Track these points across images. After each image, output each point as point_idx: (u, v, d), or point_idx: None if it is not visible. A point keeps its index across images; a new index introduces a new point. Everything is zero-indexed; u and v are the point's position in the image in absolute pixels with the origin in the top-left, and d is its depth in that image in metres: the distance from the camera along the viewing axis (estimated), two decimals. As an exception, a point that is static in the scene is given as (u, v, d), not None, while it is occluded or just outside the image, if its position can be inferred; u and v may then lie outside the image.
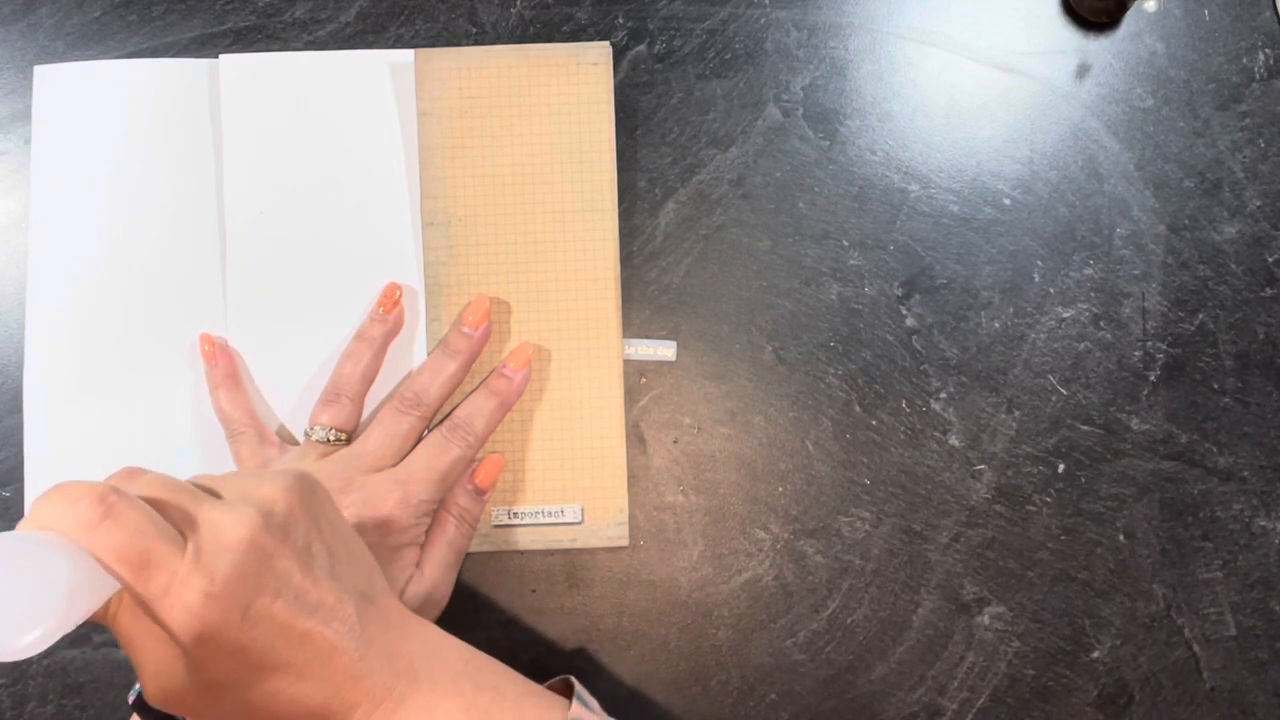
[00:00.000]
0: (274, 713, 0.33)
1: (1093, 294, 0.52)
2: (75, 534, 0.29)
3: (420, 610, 0.45)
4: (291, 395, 0.50)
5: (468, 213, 0.50)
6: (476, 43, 0.52)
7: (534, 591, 0.50)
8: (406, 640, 0.36)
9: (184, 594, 0.30)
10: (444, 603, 0.47)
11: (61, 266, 0.50)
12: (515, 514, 0.49)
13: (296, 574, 0.33)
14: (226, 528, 0.32)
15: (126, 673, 0.48)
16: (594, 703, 0.38)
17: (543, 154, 0.50)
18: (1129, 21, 0.53)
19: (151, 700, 0.33)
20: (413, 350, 0.50)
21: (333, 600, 0.34)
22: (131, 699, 0.41)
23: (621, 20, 0.53)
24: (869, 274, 0.52)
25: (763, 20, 0.53)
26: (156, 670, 0.32)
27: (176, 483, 0.33)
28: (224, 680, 0.32)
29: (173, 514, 0.32)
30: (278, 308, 0.50)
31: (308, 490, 0.35)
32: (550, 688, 0.39)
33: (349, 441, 0.47)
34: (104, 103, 0.51)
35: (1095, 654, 0.50)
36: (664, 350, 0.51)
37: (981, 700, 0.49)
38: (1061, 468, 0.51)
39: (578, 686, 0.39)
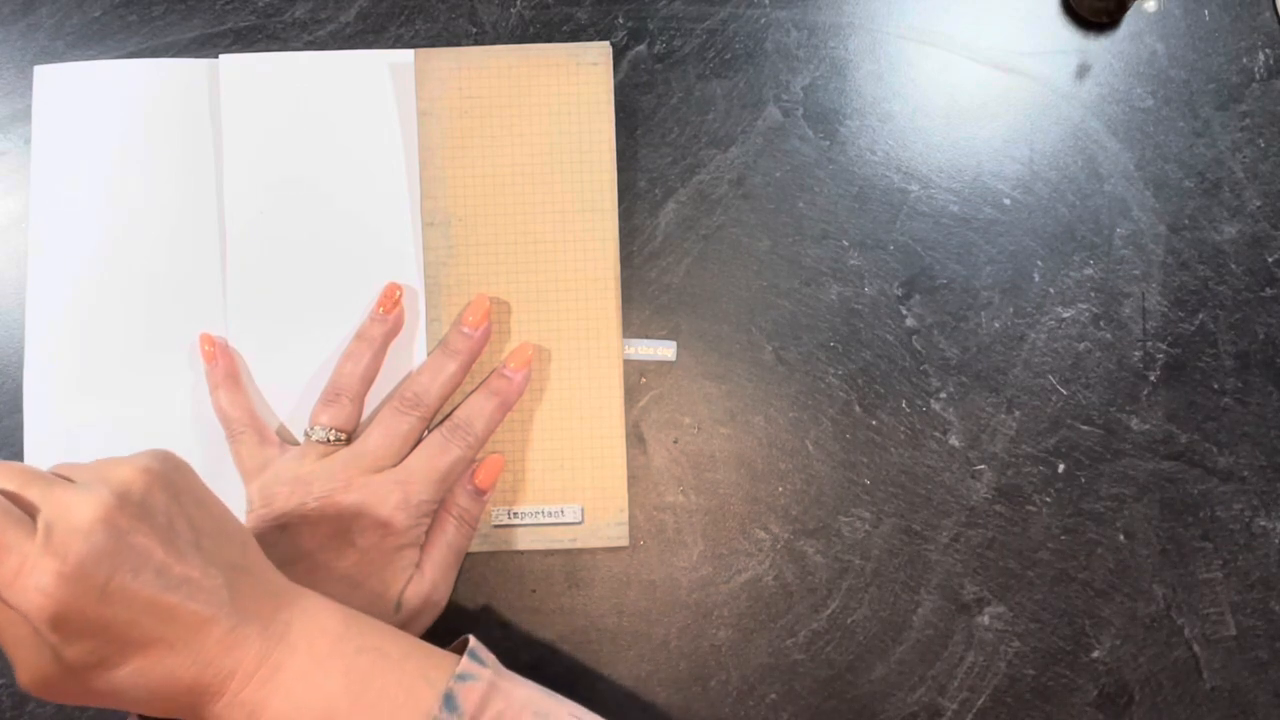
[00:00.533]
0: (149, 689, 0.33)
1: (1093, 294, 0.52)
2: None
3: (419, 611, 0.45)
4: (291, 395, 0.50)
5: (468, 213, 0.50)
6: (476, 43, 0.52)
7: (534, 591, 0.50)
8: (284, 608, 0.36)
9: (35, 576, 0.30)
10: (443, 603, 0.47)
11: (62, 266, 0.50)
12: (515, 514, 0.49)
13: (158, 550, 0.33)
14: (77, 508, 0.32)
15: (126, 673, 0.48)
16: (490, 658, 0.38)
17: (543, 154, 0.50)
18: (1129, 21, 0.53)
19: (28, 689, 0.33)
20: (413, 350, 0.50)
21: (199, 574, 0.34)
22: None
23: (621, 20, 0.53)
24: (869, 274, 0.52)
25: (763, 20, 0.53)
26: (25, 659, 0.32)
27: (30, 470, 0.33)
28: (91, 660, 0.32)
29: (23, 501, 0.32)
30: (278, 308, 0.50)
31: (169, 468, 0.35)
32: (452, 649, 0.39)
33: (349, 442, 0.47)
34: (104, 103, 0.51)
35: (1095, 654, 0.50)
36: (664, 350, 0.51)
37: (981, 700, 0.49)
38: (1061, 468, 0.51)
39: (473, 642, 0.38)
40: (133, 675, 0.33)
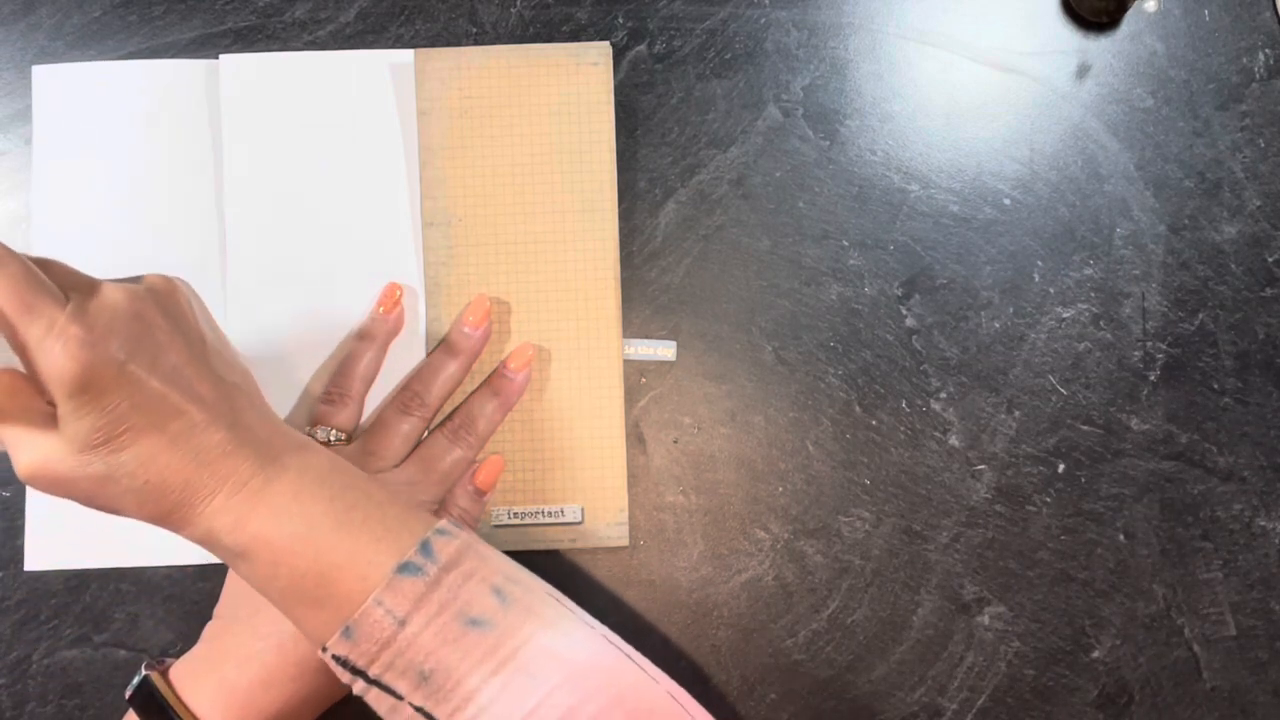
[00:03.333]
0: (144, 482, 0.35)
1: (1093, 294, 0.52)
2: None
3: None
4: (291, 395, 0.50)
5: (468, 213, 0.50)
6: (476, 43, 0.52)
7: (534, 591, 0.50)
8: (278, 434, 0.38)
9: (63, 339, 0.33)
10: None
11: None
12: (515, 514, 0.49)
13: (175, 350, 0.36)
14: (109, 292, 0.35)
15: (126, 673, 0.48)
16: (468, 529, 0.39)
17: (543, 154, 0.50)
18: (1129, 21, 0.53)
19: (27, 476, 0.35)
20: (413, 350, 0.50)
21: (208, 384, 0.36)
22: (128, 694, 0.41)
23: (621, 20, 0.53)
24: (869, 274, 0.52)
25: (763, 20, 0.53)
26: (30, 440, 0.34)
27: (65, 264, 0.36)
28: (96, 439, 0.34)
29: (59, 279, 0.35)
30: (277, 307, 0.50)
31: (190, 290, 0.40)
32: None
33: (349, 442, 0.47)
34: (104, 103, 0.51)
35: (1095, 654, 0.50)
36: (664, 350, 0.51)
37: (981, 700, 0.49)
38: (1061, 468, 0.51)
39: (450, 521, 0.39)
40: (131, 463, 0.34)
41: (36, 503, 0.49)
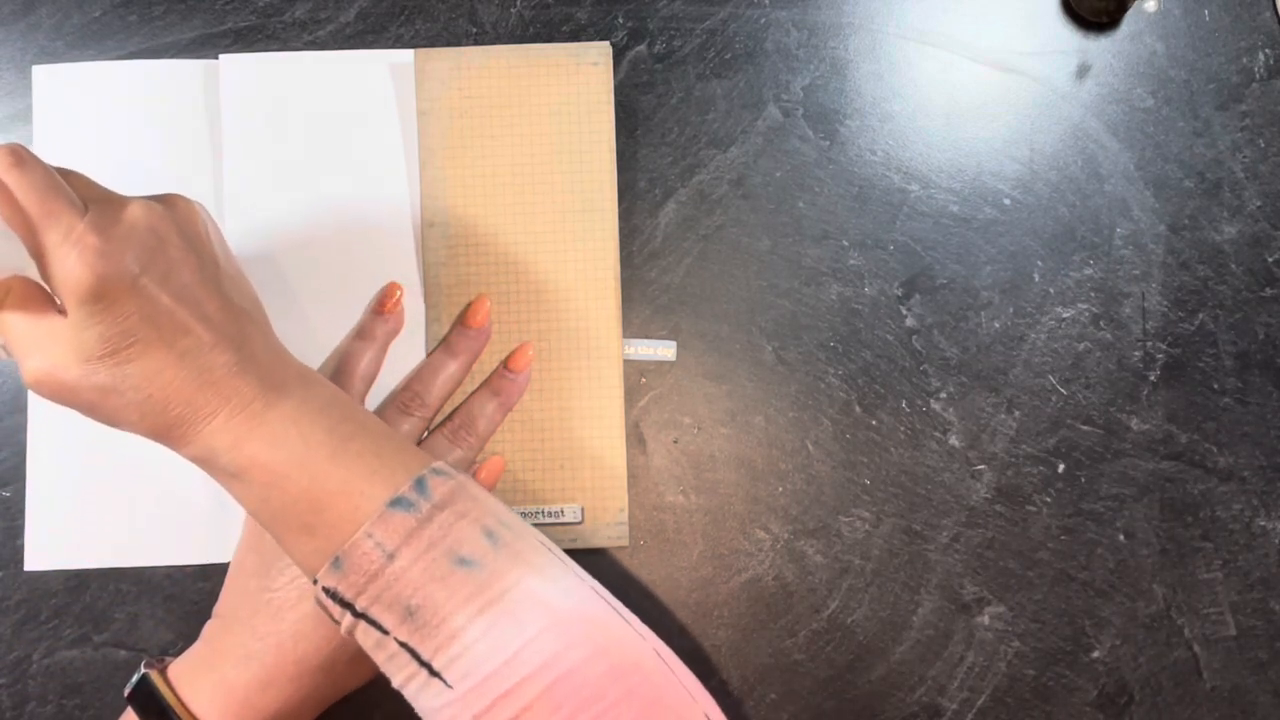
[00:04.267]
0: (148, 395, 0.35)
1: (1093, 294, 0.52)
2: None
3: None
4: (291, 395, 0.50)
5: (468, 213, 0.50)
6: (476, 43, 0.52)
7: (534, 591, 0.50)
8: (283, 364, 0.39)
9: (79, 247, 0.34)
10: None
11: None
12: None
13: (187, 270, 0.36)
14: (128, 207, 0.36)
15: (126, 673, 0.48)
16: (463, 472, 0.39)
17: (543, 154, 0.50)
18: (1129, 21, 0.53)
19: (34, 383, 0.35)
20: (413, 350, 0.50)
21: (218, 306, 0.37)
22: (127, 692, 0.41)
23: (621, 20, 0.53)
24: (869, 274, 0.52)
25: (763, 20, 0.53)
26: (40, 346, 0.35)
27: (87, 177, 0.37)
28: (104, 349, 0.34)
29: (78, 188, 0.35)
30: (277, 307, 0.50)
31: (208, 215, 0.41)
32: None
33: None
34: (104, 103, 0.51)
35: (1095, 654, 0.50)
36: (664, 350, 0.51)
37: (981, 700, 0.49)
38: (1061, 468, 0.51)
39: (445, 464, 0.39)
40: (136, 376, 0.35)
41: (36, 503, 0.49)
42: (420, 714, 0.36)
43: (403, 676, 0.35)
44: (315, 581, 0.36)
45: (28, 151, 0.34)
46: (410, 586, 0.35)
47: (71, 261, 0.34)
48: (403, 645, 0.35)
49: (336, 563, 0.35)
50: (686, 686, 0.36)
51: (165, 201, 0.38)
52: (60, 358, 0.35)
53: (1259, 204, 0.52)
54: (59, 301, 0.35)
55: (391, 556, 0.35)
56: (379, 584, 0.35)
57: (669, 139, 0.52)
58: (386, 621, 0.35)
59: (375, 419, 0.40)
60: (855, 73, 0.53)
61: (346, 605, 0.35)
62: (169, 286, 0.36)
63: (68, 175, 0.36)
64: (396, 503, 0.35)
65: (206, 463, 0.37)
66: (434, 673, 0.34)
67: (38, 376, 0.35)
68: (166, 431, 0.36)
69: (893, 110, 0.53)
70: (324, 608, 0.36)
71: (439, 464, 0.38)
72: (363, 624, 0.35)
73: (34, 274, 0.35)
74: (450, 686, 0.34)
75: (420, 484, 0.36)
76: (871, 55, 0.53)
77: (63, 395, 0.36)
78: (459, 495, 0.37)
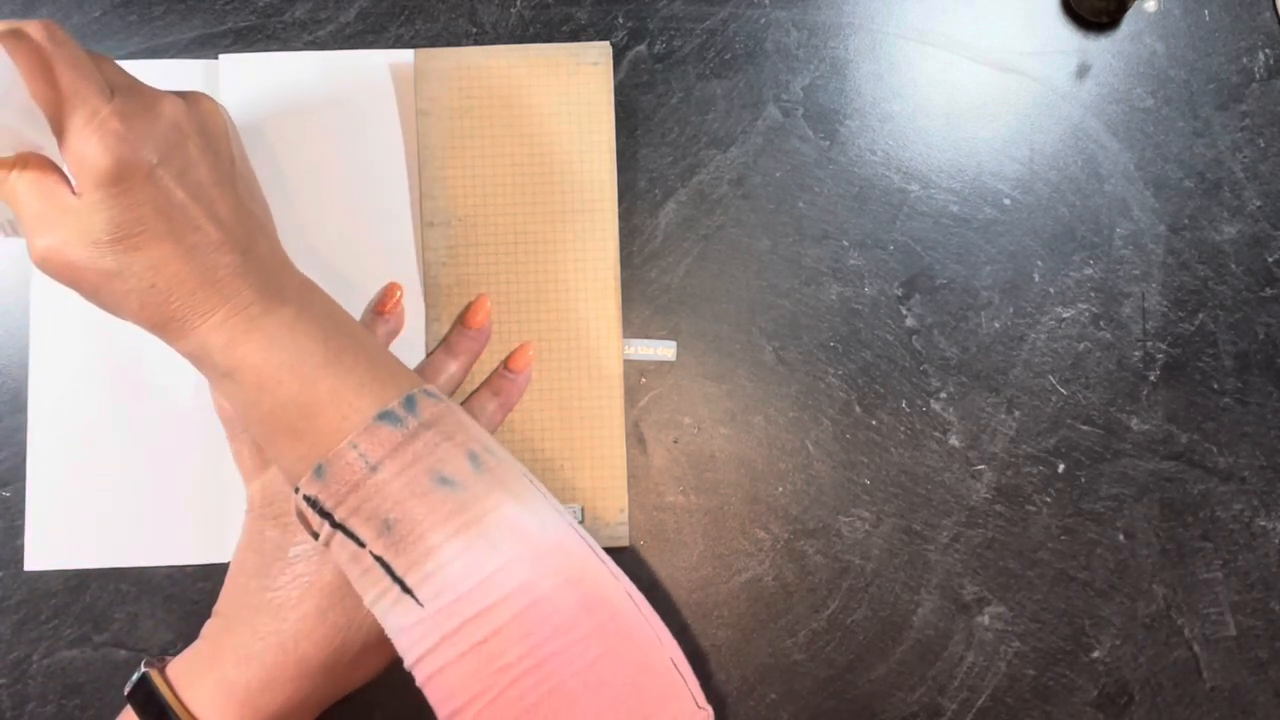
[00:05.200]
0: (152, 284, 0.36)
1: (1093, 294, 0.52)
2: (16, 48, 0.33)
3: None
4: (292, 395, 0.50)
5: (468, 213, 0.50)
6: (476, 43, 0.52)
7: (534, 591, 0.50)
8: (286, 272, 0.39)
9: (101, 131, 0.34)
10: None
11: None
12: (515, 514, 0.49)
13: (204, 167, 0.37)
14: (153, 97, 0.36)
15: (126, 673, 0.48)
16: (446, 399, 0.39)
17: (543, 154, 0.50)
18: (1129, 21, 0.53)
19: (41, 260, 0.36)
20: (413, 350, 0.50)
21: (229, 207, 0.38)
22: (127, 691, 0.41)
23: (621, 20, 0.53)
24: (869, 274, 0.52)
25: (763, 20, 0.53)
26: (49, 224, 0.35)
27: (113, 61, 0.38)
28: (114, 234, 0.35)
29: (107, 74, 0.36)
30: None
31: (231, 122, 0.41)
32: None
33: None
34: (104, 103, 0.51)
35: (1095, 654, 0.50)
36: (664, 350, 0.51)
37: (981, 700, 0.49)
38: (1061, 468, 0.51)
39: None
40: (141, 264, 0.35)
41: (36, 503, 0.49)
42: (390, 635, 0.36)
43: (376, 592, 0.35)
44: (297, 490, 0.36)
45: (60, 29, 0.35)
46: (390, 500, 0.35)
47: (93, 144, 0.34)
48: (378, 559, 0.35)
49: (319, 471, 0.35)
50: (655, 630, 0.36)
51: (190, 99, 0.39)
52: (69, 237, 0.35)
53: (1259, 204, 0.52)
54: (74, 183, 0.35)
55: (374, 469, 0.35)
56: (359, 495, 0.35)
57: (669, 139, 0.52)
58: (364, 534, 0.35)
59: (371, 338, 0.40)
60: (855, 73, 0.53)
61: (326, 515, 0.36)
62: (184, 181, 0.36)
63: (99, 60, 0.37)
64: (384, 416, 0.36)
65: (200, 359, 0.37)
66: (406, 589, 0.34)
67: (45, 253, 0.35)
68: (164, 324, 0.37)
69: (893, 110, 0.53)
70: (303, 518, 0.37)
71: (430, 386, 0.38)
72: (340, 535, 0.36)
73: (52, 153, 0.35)
74: (421, 605, 0.34)
75: (410, 401, 0.37)
76: (871, 55, 0.53)
77: (67, 275, 0.36)
78: (447, 418, 0.37)
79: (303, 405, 0.36)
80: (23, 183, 0.36)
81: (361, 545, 0.35)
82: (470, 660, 0.34)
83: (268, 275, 0.38)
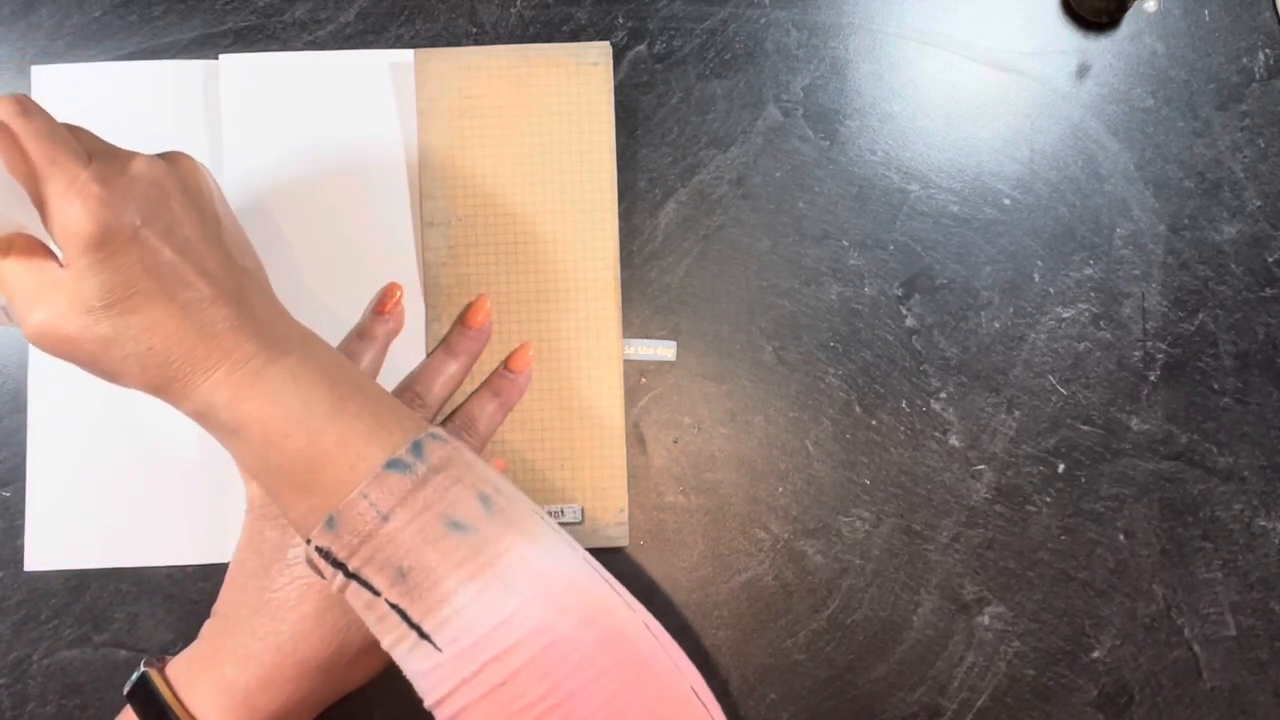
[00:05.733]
0: (149, 347, 0.35)
1: (1093, 294, 0.52)
2: None
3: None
4: (291, 395, 0.49)
5: (468, 213, 0.50)
6: (476, 43, 0.52)
7: (534, 591, 0.50)
8: (284, 323, 0.39)
9: (82, 197, 0.34)
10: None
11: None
12: (515, 514, 0.49)
13: (189, 224, 0.37)
14: (131, 160, 0.36)
15: (126, 673, 0.48)
16: (460, 440, 0.39)
17: (543, 154, 0.50)
18: (1129, 21, 0.53)
19: (35, 336, 0.36)
20: (413, 350, 0.50)
21: (218, 261, 0.37)
22: (127, 690, 0.41)
23: (621, 20, 0.53)
24: (869, 274, 0.52)
25: (763, 20, 0.53)
26: (40, 300, 0.35)
27: (87, 129, 0.38)
28: (105, 300, 0.35)
29: (82, 141, 0.36)
30: (278, 308, 0.50)
31: (208, 173, 0.41)
32: None
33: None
34: (104, 103, 0.51)
35: (1095, 654, 0.50)
36: (664, 350, 0.51)
37: (981, 700, 0.49)
38: (1061, 468, 0.51)
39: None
40: (137, 328, 0.35)
41: (36, 503, 0.49)
42: (409, 677, 0.36)
43: (392, 638, 0.35)
44: (309, 541, 0.36)
45: (32, 101, 0.35)
46: (403, 548, 0.35)
47: (74, 210, 0.34)
48: (393, 607, 0.35)
49: (331, 522, 0.35)
50: (674, 659, 0.36)
51: (169, 158, 0.39)
52: (62, 309, 0.35)
53: (1259, 204, 0.52)
54: (60, 255, 0.35)
55: (386, 518, 0.35)
56: (372, 545, 0.35)
57: (669, 139, 0.52)
58: (378, 583, 0.35)
59: (374, 383, 0.40)
60: (855, 73, 0.53)
61: (339, 565, 0.35)
62: (171, 239, 0.36)
63: (72, 129, 0.36)
64: (393, 464, 0.36)
65: (205, 418, 0.37)
66: (424, 635, 0.34)
67: (40, 329, 0.35)
68: (166, 385, 0.36)
69: (893, 110, 0.53)
70: (315, 568, 0.37)
71: (436, 429, 0.38)
72: (354, 584, 0.35)
73: (35, 228, 0.35)
74: (439, 650, 0.34)
75: (417, 447, 0.36)
76: (871, 55, 0.53)
77: (64, 348, 0.36)
78: (455, 460, 0.37)
79: (311, 458, 0.36)
80: (9, 263, 0.35)
81: (376, 594, 0.35)
82: (490, 702, 0.34)
83: (266, 326, 0.38)
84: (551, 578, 0.35)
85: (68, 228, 0.34)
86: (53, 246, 0.35)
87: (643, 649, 0.35)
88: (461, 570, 0.34)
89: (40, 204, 0.34)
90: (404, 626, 0.35)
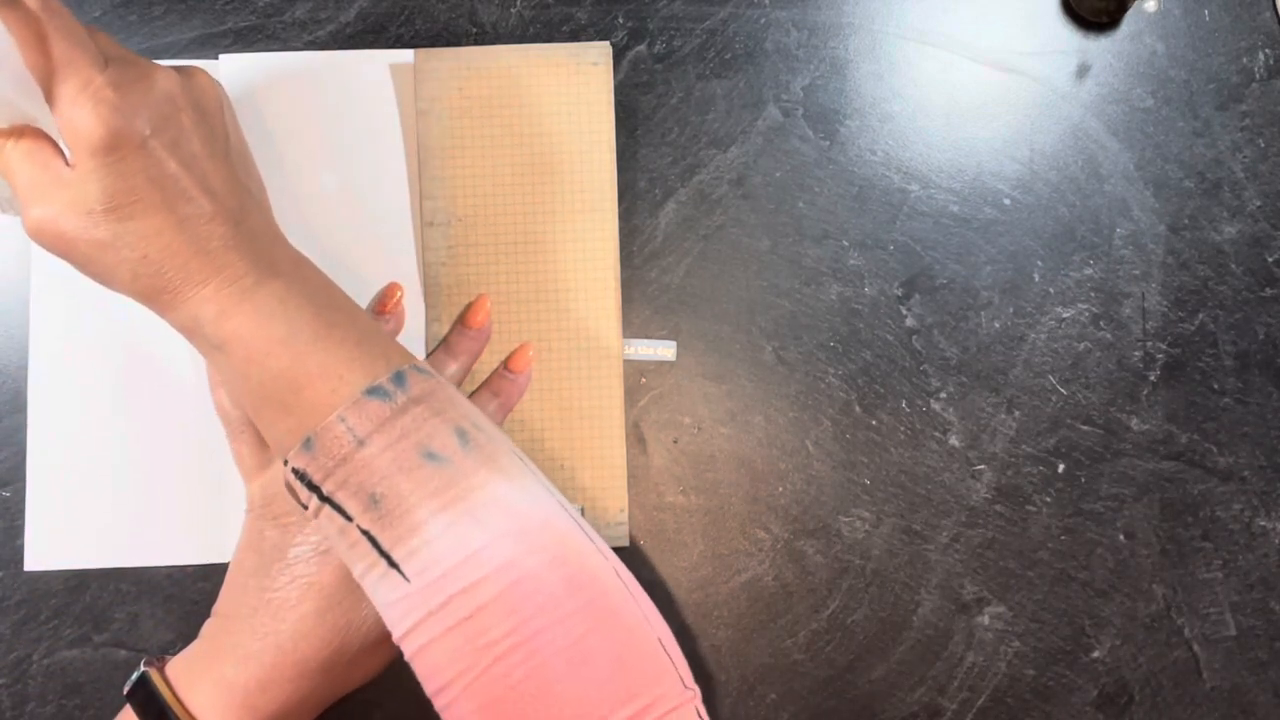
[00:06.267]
0: (144, 255, 0.36)
1: (1093, 294, 0.52)
2: (10, 16, 0.33)
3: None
4: (291, 395, 0.49)
5: (468, 213, 0.50)
6: (476, 43, 0.52)
7: (534, 591, 0.50)
8: (279, 247, 0.39)
9: (95, 100, 0.34)
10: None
11: (64, 266, 0.50)
12: (515, 514, 0.49)
13: (197, 140, 0.37)
14: (148, 71, 0.37)
15: (126, 673, 0.48)
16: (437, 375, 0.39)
17: (543, 154, 0.50)
18: (1129, 21, 0.53)
19: (35, 230, 0.36)
20: (413, 350, 0.50)
21: (222, 180, 0.38)
22: (126, 690, 0.41)
23: (621, 20, 0.53)
24: (869, 274, 0.52)
25: (763, 20, 0.53)
26: (43, 196, 0.36)
27: (106, 35, 0.38)
28: (106, 204, 0.35)
29: (101, 44, 0.36)
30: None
31: (223, 90, 0.41)
32: None
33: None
34: (104, 103, 0.51)
35: (1095, 654, 0.50)
36: (664, 350, 0.51)
37: (981, 700, 0.49)
38: (1061, 468, 0.51)
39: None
40: (134, 234, 0.36)
41: (36, 503, 0.49)
42: (380, 610, 0.36)
43: (363, 566, 0.36)
44: (286, 462, 0.37)
45: (59, 4, 0.35)
46: (377, 475, 0.35)
47: (86, 112, 0.34)
48: (365, 534, 0.35)
49: (308, 443, 0.36)
50: (643, 610, 0.37)
51: (185, 72, 0.39)
52: (63, 207, 0.35)
53: (1259, 204, 0.52)
54: (68, 154, 0.36)
55: (362, 443, 0.35)
56: (347, 469, 0.35)
57: (669, 139, 0.52)
58: (351, 508, 0.35)
59: (364, 313, 0.40)
60: (855, 73, 0.53)
61: (314, 488, 0.36)
62: (178, 153, 0.36)
63: (92, 32, 0.37)
64: (373, 391, 0.36)
65: (190, 331, 0.38)
66: (393, 563, 0.35)
67: (39, 224, 0.36)
68: (155, 295, 0.37)
69: (893, 110, 0.53)
70: (292, 491, 0.37)
71: (422, 363, 0.38)
72: (328, 509, 0.36)
73: (46, 124, 0.36)
74: (408, 580, 0.34)
75: (399, 377, 0.37)
76: (871, 55, 0.53)
77: (60, 245, 0.36)
78: (437, 394, 0.37)
79: (292, 379, 0.36)
80: (17, 153, 0.36)
81: (349, 519, 0.35)
82: (455, 637, 0.34)
83: (260, 248, 0.38)
84: (524, 516, 0.35)
85: (77, 130, 0.34)
86: (62, 145, 0.36)
87: (612, 596, 0.36)
88: (434, 501, 0.35)
89: (53, 102, 0.35)
90: (374, 554, 0.35)
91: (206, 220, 0.37)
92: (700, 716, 0.36)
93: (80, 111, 0.34)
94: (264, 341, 0.36)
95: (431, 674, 0.35)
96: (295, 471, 0.36)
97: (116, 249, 0.36)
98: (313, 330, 0.37)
